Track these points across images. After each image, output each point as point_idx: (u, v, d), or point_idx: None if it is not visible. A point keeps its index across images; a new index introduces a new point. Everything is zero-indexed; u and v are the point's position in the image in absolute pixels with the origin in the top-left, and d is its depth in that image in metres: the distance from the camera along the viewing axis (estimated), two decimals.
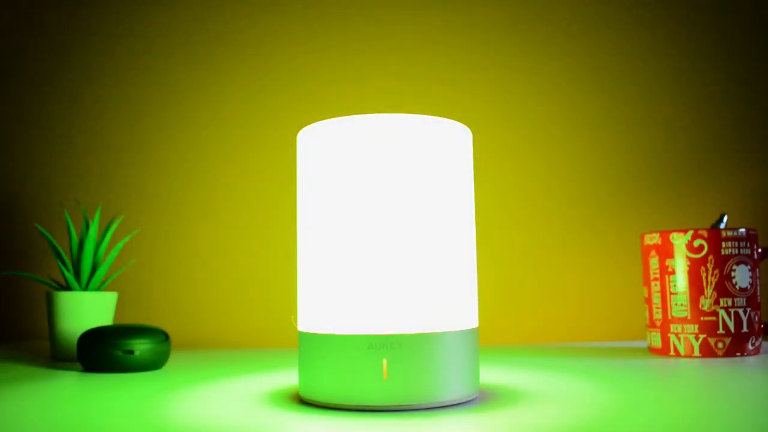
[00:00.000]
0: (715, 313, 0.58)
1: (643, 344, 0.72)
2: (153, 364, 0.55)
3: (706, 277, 0.59)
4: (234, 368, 0.57)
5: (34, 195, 0.84)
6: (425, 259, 0.37)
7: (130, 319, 0.81)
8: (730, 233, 0.59)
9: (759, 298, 0.60)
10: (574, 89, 0.84)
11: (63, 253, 0.66)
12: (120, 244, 0.67)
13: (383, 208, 0.37)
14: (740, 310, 0.58)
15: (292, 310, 0.80)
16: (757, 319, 0.60)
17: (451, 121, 0.40)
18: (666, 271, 0.60)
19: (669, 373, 0.49)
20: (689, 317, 0.59)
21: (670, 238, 0.60)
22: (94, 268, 0.67)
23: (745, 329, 0.58)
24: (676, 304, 0.59)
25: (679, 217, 0.82)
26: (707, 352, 0.58)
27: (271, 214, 0.82)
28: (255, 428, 0.32)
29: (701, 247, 0.59)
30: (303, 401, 0.40)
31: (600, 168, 0.83)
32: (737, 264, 0.59)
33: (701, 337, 0.58)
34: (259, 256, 0.81)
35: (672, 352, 0.60)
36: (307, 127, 0.40)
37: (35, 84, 0.85)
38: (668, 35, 0.85)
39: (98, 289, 0.67)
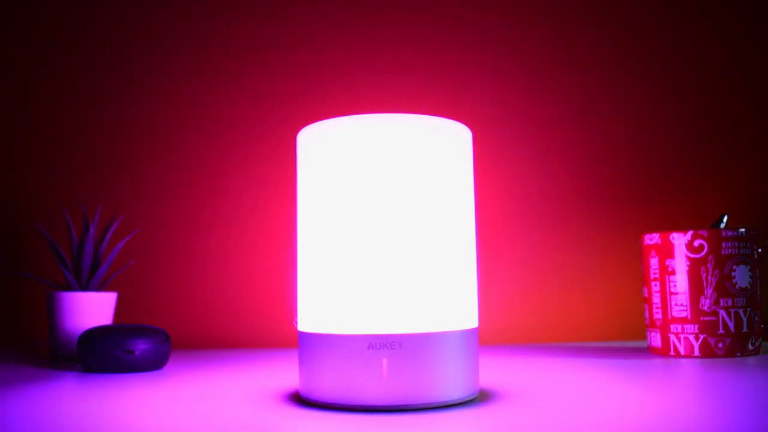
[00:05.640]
0: (715, 313, 0.58)
1: (643, 344, 0.72)
2: (153, 364, 0.55)
3: (706, 277, 0.59)
4: (234, 368, 0.57)
5: (34, 195, 0.84)
6: (425, 259, 0.37)
7: (130, 319, 0.81)
8: (730, 233, 0.59)
9: (759, 298, 0.60)
10: (574, 89, 0.84)
11: (63, 253, 0.66)
12: (120, 244, 0.67)
13: (383, 208, 0.37)
14: (740, 310, 0.58)
15: (292, 310, 0.80)
16: (757, 319, 0.60)
17: (451, 121, 0.40)
18: (666, 271, 0.60)
19: (669, 373, 0.49)
20: (689, 317, 0.59)
21: (670, 238, 0.60)
22: (94, 268, 0.67)
23: (745, 329, 0.58)
24: (676, 304, 0.59)
25: (679, 217, 0.82)
26: (707, 352, 0.58)
27: (271, 214, 0.82)
28: (255, 428, 0.32)
29: (701, 247, 0.59)
30: (303, 401, 0.40)
31: (600, 168, 0.83)
32: (737, 264, 0.59)
33: (701, 337, 0.58)
34: (260, 256, 0.81)
35: (672, 352, 0.60)
36: (307, 127, 0.40)
37: (35, 84, 0.85)
38: (669, 36, 0.85)
39: (98, 289, 0.67)
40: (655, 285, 0.61)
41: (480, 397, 0.40)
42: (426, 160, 0.38)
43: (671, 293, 0.60)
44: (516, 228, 0.81)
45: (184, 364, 0.60)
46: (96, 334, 0.55)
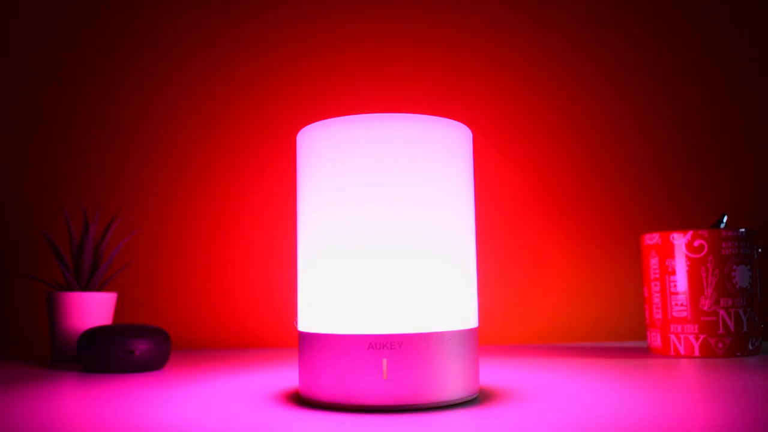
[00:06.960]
0: (715, 313, 0.58)
1: (643, 344, 0.72)
2: (153, 364, 0.55)
3: (706, 277, 0.59)
4: (234, 368, 0.57)
5: (34, 195, 0.84)
6: (425, 260, 0.37)
7: (130, 319, 0.81)
8: (730, 233, 0.59)
9: (759, 298, 0.60)
10: (574, 89, 0.84)
11: (63, 253, 0.66)
12: (120, 244, 0.67)
13: (383, 208, 0.37)
14: (740, 310, 0.58)
15: (292, 310, 0.80)
16: (757, 319, 0.60)
17: (451, 121, 0.40)
18: (666, 271, 0.60)
19: (669, 373, 0.49)
20: (689, 317, 0.59)
21: (670, 238, 0.60)
22: (94, 268, 0.67)
23: (745, 329, 0.58)
24: (676, 304, 0.59)
25: (679, 217, 0.82)
26: (707, 352, 0.58)
27: (271, 214, 0.82)
28: (255, 428, 0.32)
29: (701, 247, 0.59)
30: (303, 401, 0.40)
31: (600, 168, 0.83)
32: (737, 264, 0.59)
33: (701, 337, 0.58)
34: (260, 255, 0.81)
35: (672, 352, 0.60)
36: (307, 127, 0.40)
37: (35, 84, 0.85)
38: (670, 36, 0.85)
39: (98, 289, 0.67)
40: (655, 285, 0.61)
41: (480, 397, 0.40)
42: (426, 160, 0.38)
43: (671, 293, 0.60)
44: (516, 228, 0.81)
45: (184, 364, 0.60)
46: (96, 334, 0.55)
